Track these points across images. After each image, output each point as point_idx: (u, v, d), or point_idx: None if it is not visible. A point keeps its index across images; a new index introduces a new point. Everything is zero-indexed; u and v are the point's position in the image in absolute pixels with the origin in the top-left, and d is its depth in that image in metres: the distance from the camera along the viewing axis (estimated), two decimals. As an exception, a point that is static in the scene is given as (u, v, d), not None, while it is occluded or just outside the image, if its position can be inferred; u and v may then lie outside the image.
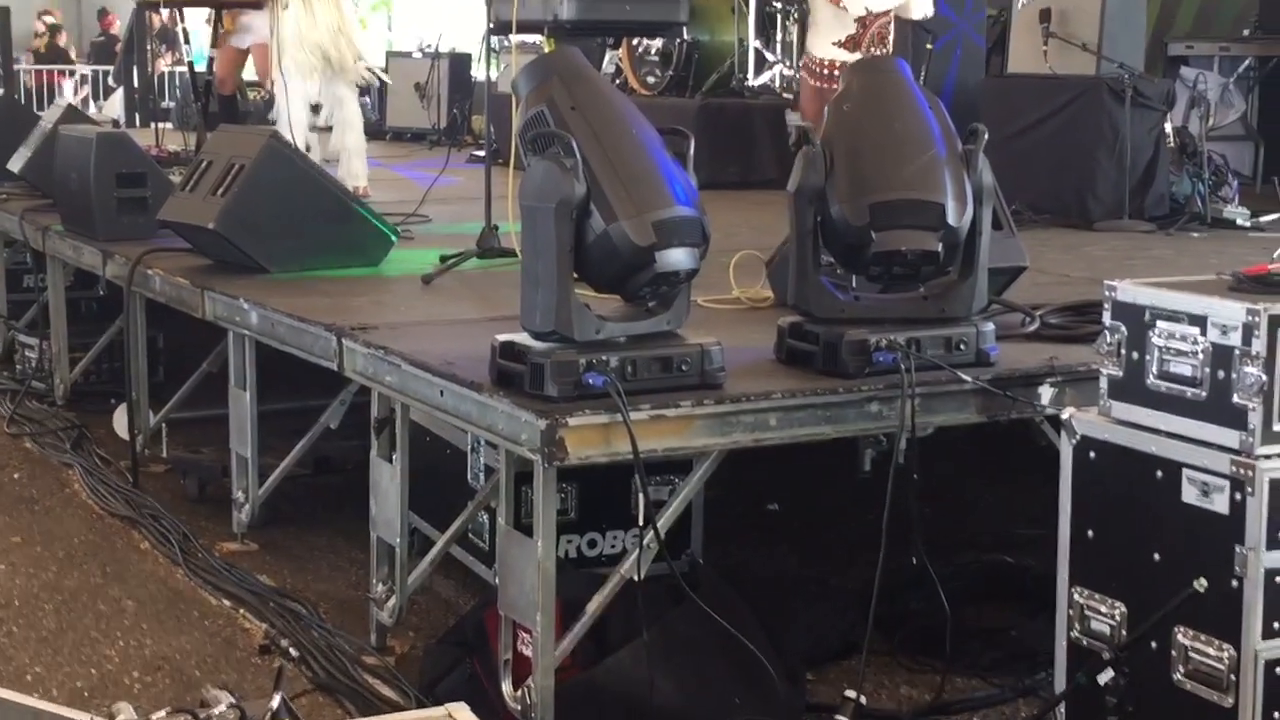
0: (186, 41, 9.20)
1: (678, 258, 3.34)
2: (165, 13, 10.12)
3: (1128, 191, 7.10)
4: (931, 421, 3.68)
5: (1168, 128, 7.31)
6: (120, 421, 6.12)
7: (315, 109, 7.93)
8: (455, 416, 3.66)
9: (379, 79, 7.88)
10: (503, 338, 3.49)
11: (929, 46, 7.96)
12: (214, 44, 9.36)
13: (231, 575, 4.70)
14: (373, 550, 4.18)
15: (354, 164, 7.81)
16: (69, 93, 19.42)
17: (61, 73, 20.07)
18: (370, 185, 7.91)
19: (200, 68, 10.23)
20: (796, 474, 5.18)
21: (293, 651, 4.09)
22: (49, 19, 21.62)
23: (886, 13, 6.45)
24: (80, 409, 6.70)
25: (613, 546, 4.08)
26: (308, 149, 7.50)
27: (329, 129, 7.93)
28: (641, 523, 3.45)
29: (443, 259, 5.40)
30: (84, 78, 20.98)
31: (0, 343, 7.58)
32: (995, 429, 3.98)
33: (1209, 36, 8.93)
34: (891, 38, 6.54)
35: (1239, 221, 7.18)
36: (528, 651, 3.46)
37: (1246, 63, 8.59)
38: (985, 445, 5.08)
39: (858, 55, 6.26)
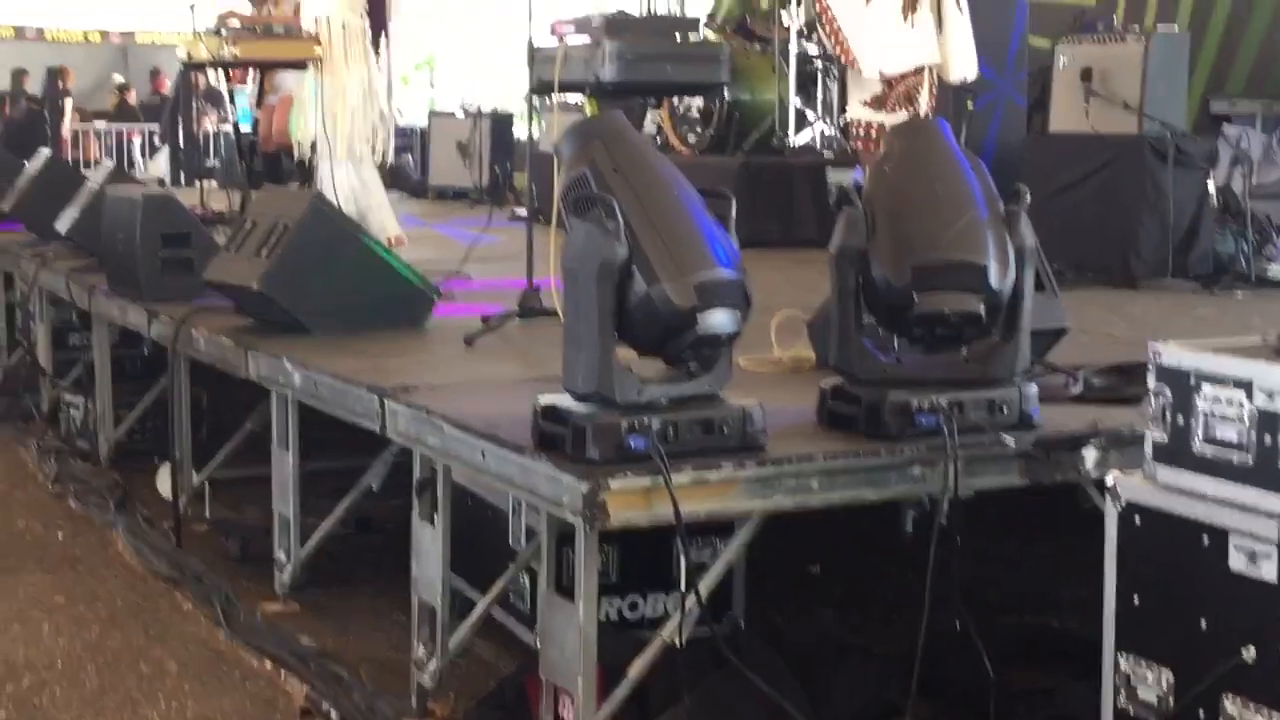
0: (232, 101, 9.30)
1: (720, 320, 3.34)
2: (211, 73, 10.23)
3: (1171, 250, 7.07)
4: (974, 485, 3.66)
5: (1211, 186, 7.28)
6: (164, 481, 6.15)
7: None
8: (497, 478, 3.66)
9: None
10: (544, 400, 3.49)
11: (970, 106, 7.97)
12: (258, 104, 9.47)
13: (273, 637, 4.69)
14: (414, 612, 4.17)
15: (382, 217, 7.96)
16: (138, 150, 19.70)
17: (133, 131, 20.37)
18: (412, 243, 7.99)
19: (245, 127, 10.33)
20: (838, 535, 5.14)
21: (333, 714, 4.09)
22: (117, 78, 21.95)
23: (913, 72, 6.41)
24: (124, 468, 6.73)
25: (654, 609, 4.06)
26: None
27: None
28: (684, 587, 3.44)
29: (484, 319, 5.41)
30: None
31: (46, 402, 7.64)
32: (1038, 491, 3.95)
33: (1258, 94, 8.91)
34: (924, 96, 6.51)
35: (1283, 281, 7.15)
36: (569, 716, 3.44)
37: (1290, 120, 8.59)
38: (1028, 506, 5.04)
39: (884, 115, 6.23)
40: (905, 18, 6.05)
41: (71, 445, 6.99)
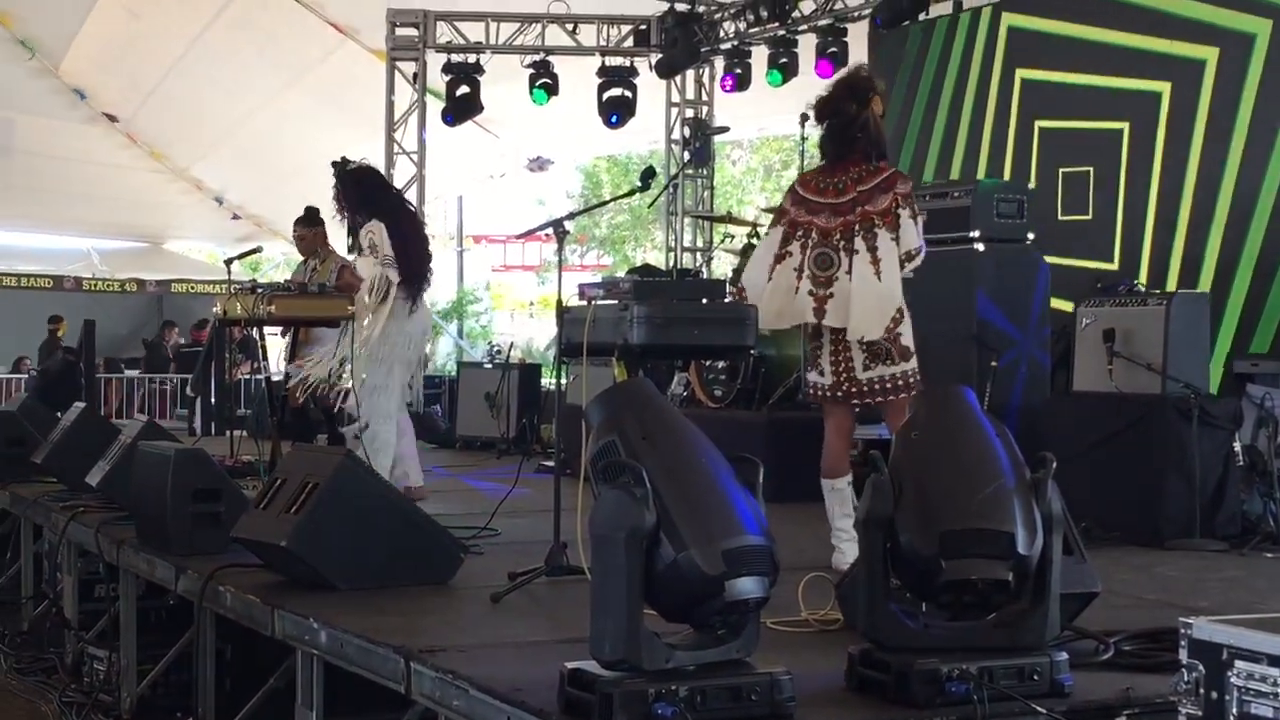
0: (265, 357, 9.46)
1: (747, 587, 3.36)
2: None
3: (1198, 510, 7.07)
4: (1006, 754, 3.62)
5: (1237, 446, 7.30)
6: (185, 737, 6.09)
7: None
8: (522, 744, 3.63)
9: None
10: (571, 665, 3.49)
11: (993, 364, 8.06)
12: (290, 359, 9.61)
13: None
14: None
15: (408, 467, 8.28)
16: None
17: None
18: (440, 496, 8.09)
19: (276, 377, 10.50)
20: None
21: None
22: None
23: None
24: (146, 723, 6.67)
25: None
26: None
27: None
28: None
29: (511, 576, 5.42)
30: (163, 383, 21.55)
31: (70, 655, 7.60)
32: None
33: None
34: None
35: (1312, 542, 7.11)
36: None
37: (1314, 377, 8.61)
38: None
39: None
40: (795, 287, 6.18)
41: (94, 700, 6.92)
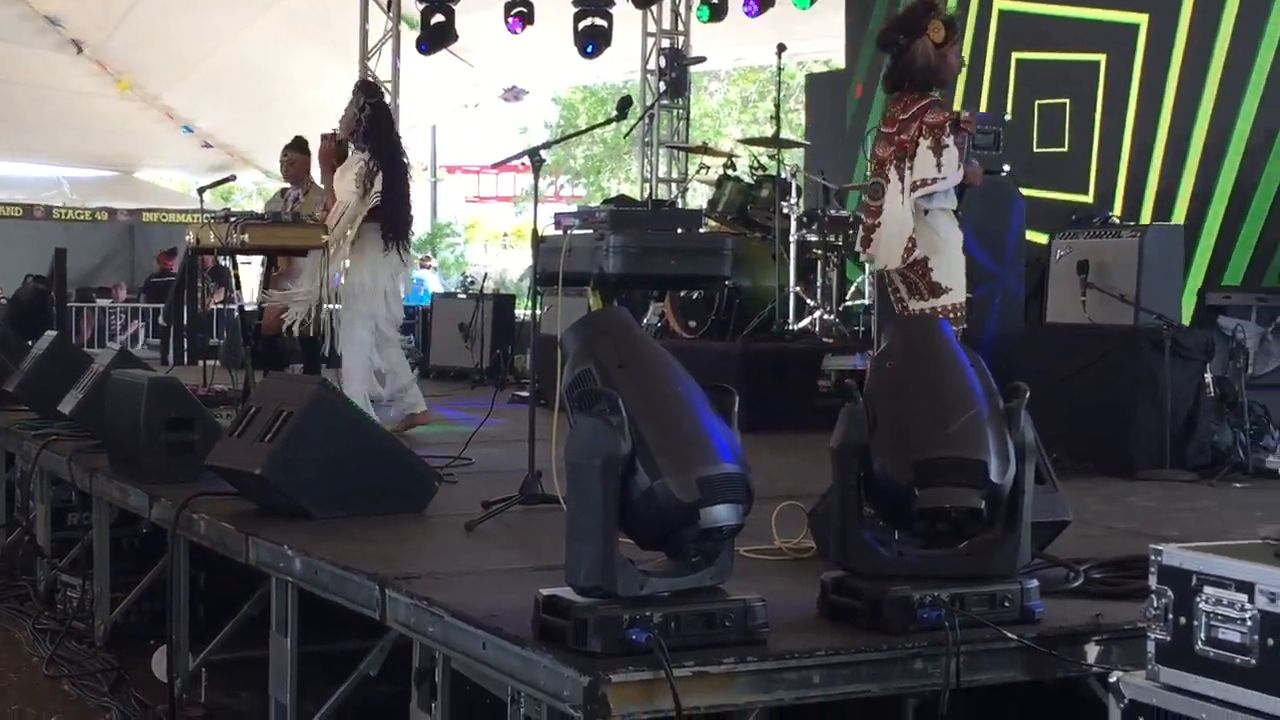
0: (238, 286, 9.43)
1: (722, 514, 3.37)
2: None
3: (1169, 441, 7.11)
4: (976, 680, 3.65)
5: (1208, 377, 7.34)
6: (160, 664, 6.09)
7: None
8: (497, 669, 3.65)
9: None
10: (546, 592, 3.50)
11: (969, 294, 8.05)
12: (265, 287, 9.58)
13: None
14: (411, 803, 4.12)
15: (411, 399, 8.47)
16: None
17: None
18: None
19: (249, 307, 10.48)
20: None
21: None
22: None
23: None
24: (120, 650, 6.67)
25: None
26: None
27: None
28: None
29: (485, 505, 5.43)
30: (134, 313, 21.46)
31: (43, 582, 7.60)
32: (1042, 685, 3.94)
33: (1255, 287, 9.02)
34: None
35: (1281, 472, 7.17)
36: None
37: (1285, 311, 8.64)
38: (1030, 699, 5.00)
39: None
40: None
41: (68, 626, 6.94)
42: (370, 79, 8.65)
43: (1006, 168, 8.64)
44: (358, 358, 8.20)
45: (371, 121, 8.33)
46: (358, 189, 8.13)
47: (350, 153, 8.42)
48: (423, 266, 21.71)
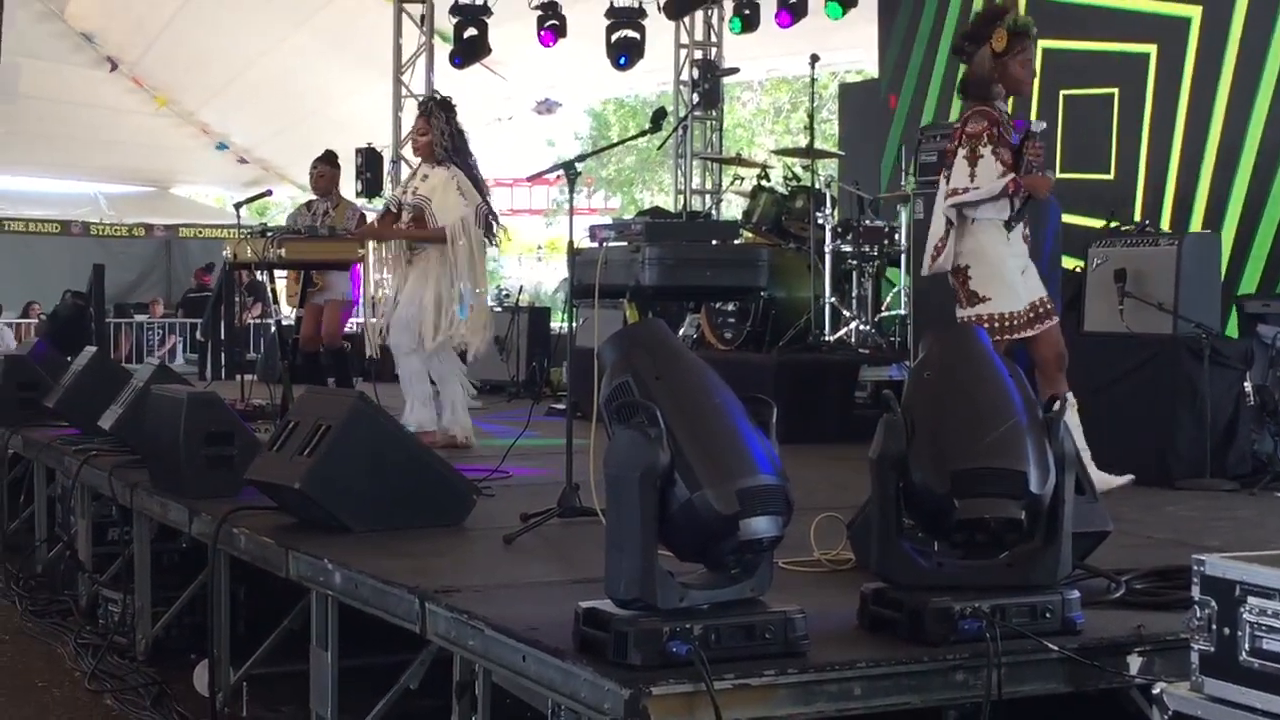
0: (276, 301, 9.48)
1: (762, 526, 3.37)
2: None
3: (1209, 449, 7.07)
4: (1018, 691, 3.63)
5: (1247, 386, 7.30)
6: (201, 678, 6.12)
7: None
8: (538, 682, 3.65)
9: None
10: (586, 604, 3.50)
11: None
12: (300, 303, 9.63)
13: (307, 840, 4.64)
14: (452, 817, 4.13)
15: (461, 416, 8.32)
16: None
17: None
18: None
19: (287, 323, 10.53)
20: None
21: None
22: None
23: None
24: (162, 664, 6.70)
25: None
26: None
27: None
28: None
29: (524, 518, 5.44)
30: (171, 328, 21.57)
31: (84, 597, 7.65)
32: (1083, 696, 3.92)
33: (1271, 291, 8.99)
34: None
35: (1321, 480, 7.12)
36: None
37: (1324, 319, 8.59)
38: (1072, 711, 4.98)
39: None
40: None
41: (109, 641, 6.97)
42: (441, 96, 8.66)
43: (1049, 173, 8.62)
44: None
45: (457, 139, 8.38)
46: (468, 202, 8.19)
47: (429, 169, 8.39)
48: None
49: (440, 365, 8.36)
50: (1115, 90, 10.39)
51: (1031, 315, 6.14)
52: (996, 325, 6.05)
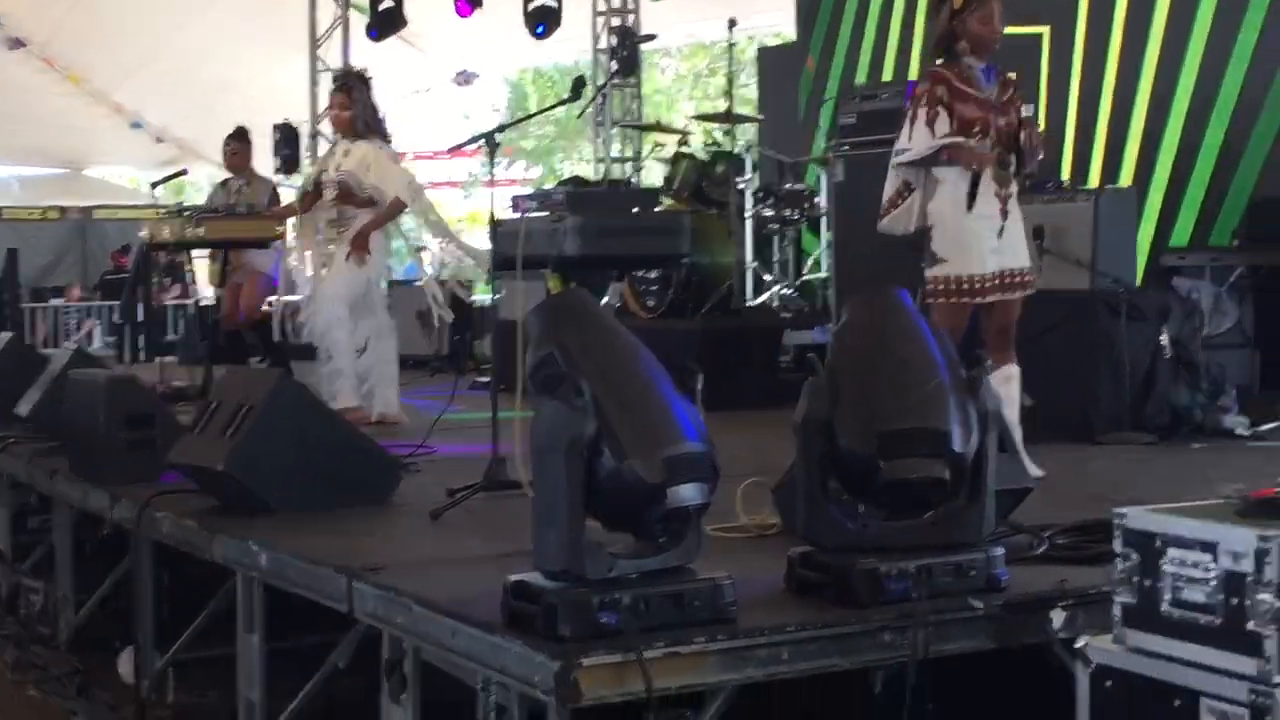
0: (193, 281, 9.39)
1: (689, 493, 3.37)
2: (171, 248, 10.38)
3: (1128, 403, 7.15)
4: (944, 650, 3.66)
5: (1164, 339, 7.37)
6: (126, 665, 6.06)
7: None
8: (467, 658, 3.64)
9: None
10: (514, 577, 3.49)
11: (924, 265, 8.06)
12: (220, 282, 9.53)
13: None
14: (385, 794, 4.11)
15: (390, 394, 8.25)
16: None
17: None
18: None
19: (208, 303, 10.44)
20: (806, 697, 5.10)
21: None
22: None
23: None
24: (85, 653, 6.63)
25: (628, 784, 4.02)
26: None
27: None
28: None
29: (450, 493, 5.41)
30: (89, 311, 21.31)
31: (4, 588, 7.55)
32: (1008, 652, 3.95)
33: (1204, 246, 9.08)
34: None
35: (1238, 431, 7.22)
36: None
37: (1238, 271, 8.68)
38: (998, 668, 5.02)
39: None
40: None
41: (31, 631, 6.89)
42: (358, 70, 8.54)
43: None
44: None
45: (376, 112, 8.31)
46: (396, 166, 8.16)
47: (349, 144, 8.30)
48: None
49: (378, 342, 8.32)
50: (1046, 29, 10.41)
51: (998, 282, 6.11)
52: (954, 287, 6.03)
